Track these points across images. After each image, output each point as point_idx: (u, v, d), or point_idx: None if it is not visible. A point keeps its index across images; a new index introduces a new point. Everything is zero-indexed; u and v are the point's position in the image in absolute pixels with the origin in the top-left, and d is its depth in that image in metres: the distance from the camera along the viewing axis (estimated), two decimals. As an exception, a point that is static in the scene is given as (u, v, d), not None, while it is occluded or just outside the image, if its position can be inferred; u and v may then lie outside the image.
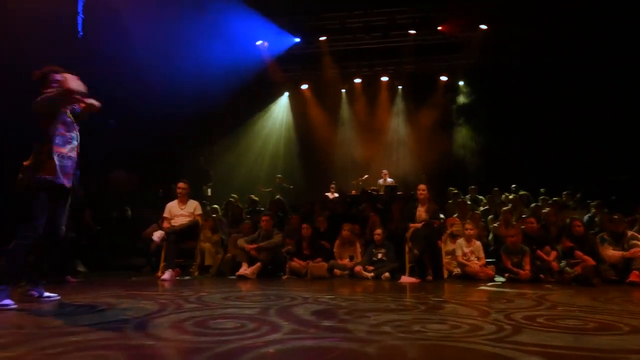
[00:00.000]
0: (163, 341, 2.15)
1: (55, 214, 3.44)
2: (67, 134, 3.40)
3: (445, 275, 5.76)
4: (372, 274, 5.75)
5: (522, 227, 6.09)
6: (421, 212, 5.99)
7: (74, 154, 3.48)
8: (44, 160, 3.27)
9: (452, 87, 12.98)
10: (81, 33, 8.89)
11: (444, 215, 7.21)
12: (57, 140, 3.32)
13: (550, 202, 7.74)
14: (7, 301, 3.05)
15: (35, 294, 3.48)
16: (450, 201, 8.41)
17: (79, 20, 8.90)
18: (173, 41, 9.45)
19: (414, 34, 11.76)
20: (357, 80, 13.54)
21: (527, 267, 5.54)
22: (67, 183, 3.43)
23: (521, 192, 8.58)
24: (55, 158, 3.29)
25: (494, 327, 2.47)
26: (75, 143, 3.48)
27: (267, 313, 2.93)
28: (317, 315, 2.82)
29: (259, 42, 12.47)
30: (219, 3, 9.92)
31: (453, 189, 8.92)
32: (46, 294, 3.52)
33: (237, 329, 2.44)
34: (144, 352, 1.97)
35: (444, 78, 12.90)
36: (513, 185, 9.42)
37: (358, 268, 5.87)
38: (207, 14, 9.81)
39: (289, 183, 12.22)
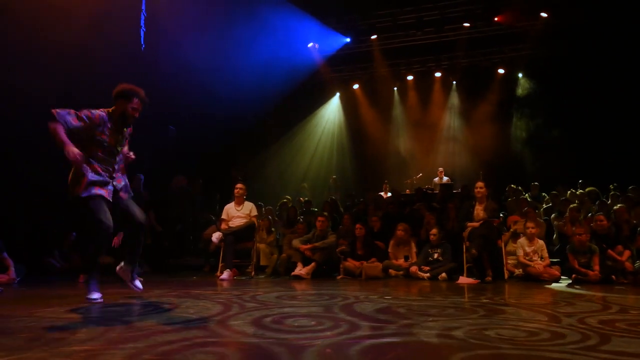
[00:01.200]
0: (258, 338, 2.17)
1: (123, 207, 3.53)
2: (102, 154, 3.40)
3: (506, 276, 5.52)
4: (428, 274, 5.63)
5: (591, 225, 5.72)
6: (479, 210, 5.79)
7: (112, 167, 3.49)
8: (77, 177, 3.29)
9: (510, 80, 12.40)
10: (144, 46, 9.40)
11: (504, 213, 6.92)
12: (91, 160, 3.34)
13: (621, 198, 7.20)
14: (96, 295, 3.34)
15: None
16: (510, 199, 8.05)
17: (142, 33, 9.42)
18: (227, 47, 9.75)
19: (468, 26, 11.38)
20: (410, 78, 13.31)
21: (597, 267, 5.19)
22: (110, 188, 3.43)
23: (588, 189, 8.04)
24: (89, 175, 3.30)
25: (578, 335, 2.25)
26: (116, 160, 3.51)
27: (335, 310, 2.98)
28: (382, 315, 2.80)
29: (310, 44, 12.60)
30: (270, 7, 10.12)
31: (513, 185, 8.53)
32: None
33: (316, 326, 2.47)
34: (253, 348, 2.00)
35: (501, 71, 12.36)
36: (580, 181, 8.85)
37: (414, 268, 5.77)
38: (258, 19, 10.04)
39: (343, 183, 12.24)
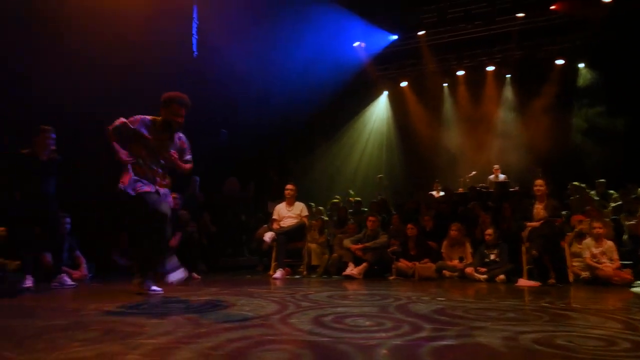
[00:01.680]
0: (322, 337, 2.18)
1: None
2: (146, 153, 3.60)
3: (571, 279, 5.23)
4: (485, 275, 5.44)
5: (666, 224, 5.31)
6: (539, 209, 5.52)
7: (156, 172, 3.66)
8: (124, 172, 3.53)
9: (570, 71, 11.71)
10: (196, 53, 9.76)
11: (567, 212, 6.56)
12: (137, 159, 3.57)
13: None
14: (156, 287, 3.58)
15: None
16: (573, 197, 7.62)
17: (194, 41, 9.78)
18: (274, 51, 9.92)
19: (522, 17, 10.89)
20: (460, 73, 12.92)
21: (674, 270, 4.81)
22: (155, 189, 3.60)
23: (663, 185, 7.45)
24: (132, 173, 3.51)
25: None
26: (160, 165, 3.68)
27: (390, 311, 2.96)
28: (439, 317, 2.74)
29: (356, 44, 12.55)
30: (315, 8, 10.18)
31: (577, 183, 8.06)
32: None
33: (373, 326, 2.46)
34: (321, 347, 2.01)
35: (560, 62, 11.71)
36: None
37: (469, 269, 5.60)
38: (304, 20, 10.13)
39: (392, 182, 12.10)
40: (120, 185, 3.46)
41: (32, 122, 4.64)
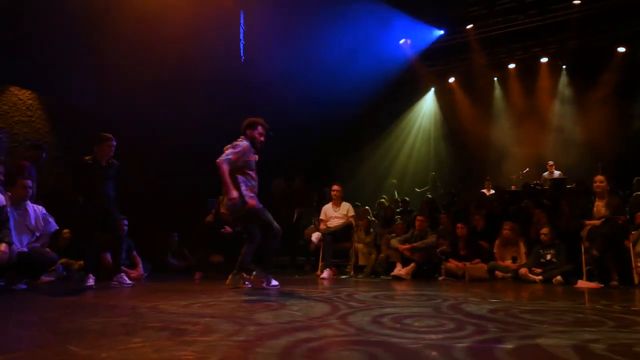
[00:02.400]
0: (393, 337, 2.16)
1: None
2: (252, 174, 4.29)
3: (636, 280, 4.89)
4: (540, 277, 5.21)
5: None
6: (600, 207, 5.21)
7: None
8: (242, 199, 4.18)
9: (633, 59, 10.93)
10: (243, 57, 10.01)
11: (630, 209, 6.14)
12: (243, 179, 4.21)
13: None
14: (275, 282, 4.32)
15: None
16: (637, 193, 7.12)
17: (241, 45, 10.03)
18: (320, 52, 9.98)
19: (578, 4, 10.31)
20: (511, 66, 12.41)
21: None
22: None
23: None
24: (248, 193, 4.18)
25: None
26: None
27: (449, 312, 2.91)
28: (497, 320, 2.66)
29: (402, 41, 12.38)
30: (360, 7, 10.15)
31: (641, 178, 7.53)
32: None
33: (438, 326, 2.44)
34: (395, 347, 1.99)
35: (622, 49, 10.96)
36: None
37: (523, 270, 5.38)
38: (349, 20, 10.12)
39: (441, 181, 11.84)
40: (251, 206, 4.15)
41: (94, 132, 4.95)
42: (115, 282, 4.72)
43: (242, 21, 10.07)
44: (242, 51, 10.06)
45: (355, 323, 2.50)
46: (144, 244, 6.25)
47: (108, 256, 5.18)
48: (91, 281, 4.56)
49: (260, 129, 4.37)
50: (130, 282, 4.83)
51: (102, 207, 4.66)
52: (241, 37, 10.09)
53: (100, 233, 4.82)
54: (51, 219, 4.78)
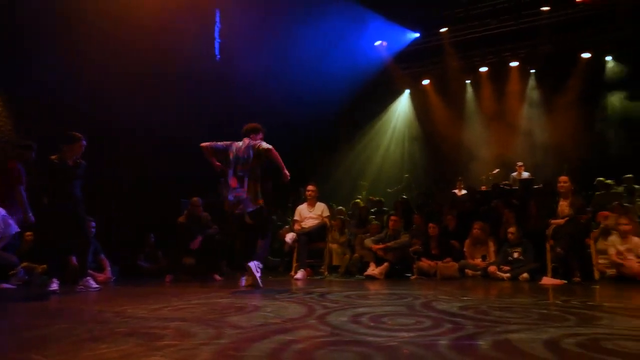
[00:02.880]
0: (377, 337, 2.19)
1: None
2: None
3: (597, 276, 5.09)
4: (508, 274, 5.36)
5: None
6: (564, 206, 5.40)
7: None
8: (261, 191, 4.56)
9: (596, 65, 11.36)
10: (218, 56, 9.90)
11: (592, 209, 6.38)
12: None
13: None
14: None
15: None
16: (599, 193, 7.41)
17: (216, 44, 9.92)
18: (296, 53, 9.98)
19: (547, 10, 10.64)
20: (483, 69, 12.70)
21: None
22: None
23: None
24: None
25: None
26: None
27: (422, 310, 2.96)
28: (472, 317, 2.71)
29: (377, 43, 12.49)
30: (336, 9, 10.19)
31: (602, 179, 7.83)
32: None
33: (416, 324, 2.49)
34: (384, 348, 2.00)
35: (586, 55, 11.37)
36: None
37: (492, 268, 5.52)
38: (325, 22, 10.15)
39: (414, 182, 12.01)
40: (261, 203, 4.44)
41: (59, 130, 4.79)
42: (81, 286, 4.56)
43: (217, 20, 9.96)
44: (217, 50, 9.95)
45: (335, 323, 2.51)
46: (113, 246, 6.11)
47: (74, 259, 5.02)
48: (55, 285, 4.39)
49: (263, 133, 4.77)
50: (97, 285, 4.69)
51: (68, 208, 4.52)
52: (216, 35, 9.99)
53: (65, 235, 4.68)
54: (11, 221, 4.61)
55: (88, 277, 4.67)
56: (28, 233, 5.60)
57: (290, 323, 2.56)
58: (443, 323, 2.48)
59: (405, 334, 2.22)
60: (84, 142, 4.66)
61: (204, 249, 5.86)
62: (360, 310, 3.00)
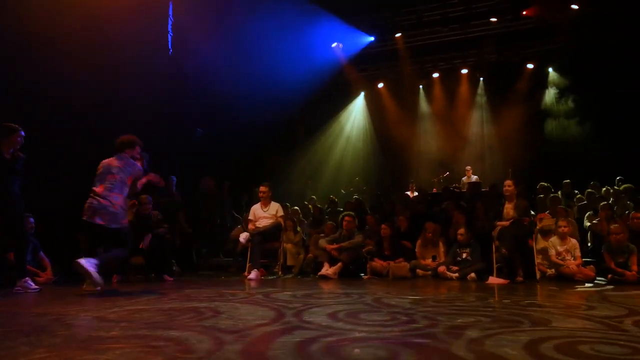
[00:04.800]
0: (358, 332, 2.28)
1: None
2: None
3: (538, 276, 5.38)
4: (456, 274, 5.55)
5: (628, 223, 5.52)
6: (508, 209, 5.66)
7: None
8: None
9: (540, 75, 12.06)
10: (171, 50, 9.61)
11: (535, 212, 6.74)
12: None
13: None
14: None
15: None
16: (541, 196, 7.84)
17: (169, 38, 9.63)
18: (250, 50, 9.86)
19: (495, 21, 11.16)
20: (435, 75, 13.12)
21: (635, 267, 5.02)
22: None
23: (624, 185, 7.74)
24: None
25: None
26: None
27: (379, 306, 2.97)
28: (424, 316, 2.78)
29: (334, 44, 12.59)
30: (293, 8, 10.17)
31: (544, 183, 8.30)
32: None
33: (391, 320, 2.60)
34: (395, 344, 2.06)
35: (530, 66, 12.03)
36: (618, 178, 8.53)
37: (442, 268, 5.69)
38: (281, 20, 10.10)
39: (367, 183, 12.20)
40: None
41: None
42: (19, 288, 4.26)
43: (170, 13, 9.66)
44: (170, 43, 9.66)
45: (317, 321, 2.54)
46: (55, 244, 5.76)
47: (11, 258, 4.68)
48: (-10, 286, 4.12)
49: (138, 149, 4.46)
50: (36, 287, 4.39)
51: (3, 205, 4.21)
52: (169, 29, 9.69)
53: (1, 232, 4.35)
54: None
55: (26, 278, 4.37)
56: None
57: (262, 324, 2.52)
58: (400, 316, 2.54)
59: (388, 330, 2.32)
60: (22, 133, 4.36)
61: (154, 249, 5.66)
62: (316, 309, 3.01)
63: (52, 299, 4.05)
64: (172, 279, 5.65)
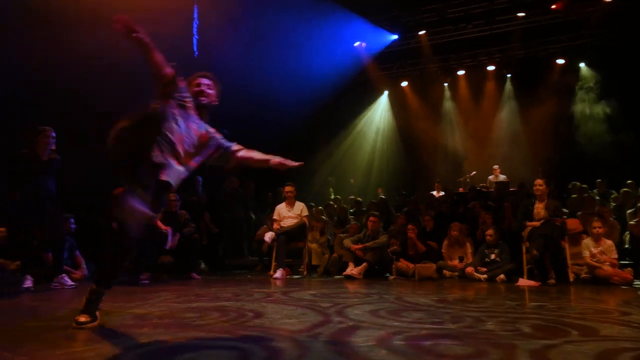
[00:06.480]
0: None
1: None
2: None
3: (571, 278, 5.22)
4: (485, 275, 5.44)
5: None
6: (539, 209, 5.52)
7: None
8: None
9: (571, 70, 11.70)
10: (196, 53, 9.76)
11: (567, 212, 6.56)
12: None
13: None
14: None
15: None
16: (574, 196, 7.61)
17: (194, 41, 9.78)
18: (275, 51, 9.92)
19: (522, 16, 10.91)
20: (460, 73, 12.90)
21: (675, 270, 4.81)
22: None
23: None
24: None
25: None
26: None
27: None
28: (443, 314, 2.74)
29: (356, 43, 12.55)
30: (315, 9, 10.18)
31: (577, 183, 8.06)
32: None
33: (428, 317, 2.67)
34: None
35: (560, 61, 11.69)
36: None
37: (469, 269, 5.60)
38: (304, 21, 10.12)
39: (393, 182, 12.13)
40: None
41: (34, 123, 4.63)
42: (56, 284, 4.44)
43: (195, 16, 9.82)
44: (195, 46, 9.82)
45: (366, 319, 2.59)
46: (89, 243, 5.92)
47: (49, 256, 4.86)
48: (29, 283, 4.29)
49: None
50: (72, 283, 4.57)
51: (41, 204, 4.37)
52: (195, 32, 9.85)
53: (40, 232, 4.52)
54: None
55: (63, 274, 4.54)
56: (1, 229, 5.38)
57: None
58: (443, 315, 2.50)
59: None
60: (52, 134, 4.51)
61: (182, 248, 5.76)
62: (362, 307, 3.00)
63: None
64: (199, 277, 5.73)
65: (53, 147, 4.52)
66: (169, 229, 5.60)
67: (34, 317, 2.87)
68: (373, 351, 1.87)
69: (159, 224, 5.52)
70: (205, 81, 2.93)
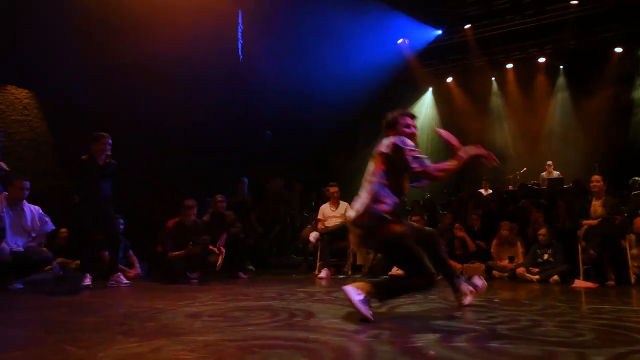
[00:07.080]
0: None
1: None
2: None
3: (633, 280, 4.90)
4: (537, 276, 5.22)
5: None
6: (596, 206, 5.22)
7: None
8: None
9: (630, 59, 10.96)
10: (241, 57, 10.00)
11: (630, 209, 6.15)
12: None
13: None
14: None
15: None
16: (635, 192, 7.14)
17: (239, 45, 10.02)
18: (318, 52, 9.97)
19: (576, 4, 10.35)
20: (509, 66, 12.43)
21: None
22: None
23: None
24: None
25: None
26: None
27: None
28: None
29: (400, 41, 12.38)
30: (358, 7, 10.14)
31: (638, 178, 7.56)
32: None
33: (483, 317, 2.70)
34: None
35: (618, 49, 10.99)
36: None
37: (521, 270, 5.39)
38: (348, 20, 10.11)
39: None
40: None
41: (91, 131, 4.91)
42: (113, 282, 4.70)
43: (240, 20, 10.05)
44: (240, 50, 10.05)
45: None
46: (141, 243, 6.21)
47: (106, 256, 5.15)
48: (88, 280, 4.55)
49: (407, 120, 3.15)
50: (127, 281, 4.82)
51: (99, 207, 4.64)
52: (239, 36, 10.08)
53: (97, 232, 4.80)
54: (47, 219, 4.76)
55: (119, 273, 4.79)
56: (63, 230, 5.76)
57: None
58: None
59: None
60: (109, 141, 4.77)
61: (229, 247, 5.91)
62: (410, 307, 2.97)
63: (141, 293, 4.39)
64: (246, 276, 5.86)
65: (109, 153, 4.78)
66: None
67: (92, 313, 3.04)
68: (441, 352, 1.85)
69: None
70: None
